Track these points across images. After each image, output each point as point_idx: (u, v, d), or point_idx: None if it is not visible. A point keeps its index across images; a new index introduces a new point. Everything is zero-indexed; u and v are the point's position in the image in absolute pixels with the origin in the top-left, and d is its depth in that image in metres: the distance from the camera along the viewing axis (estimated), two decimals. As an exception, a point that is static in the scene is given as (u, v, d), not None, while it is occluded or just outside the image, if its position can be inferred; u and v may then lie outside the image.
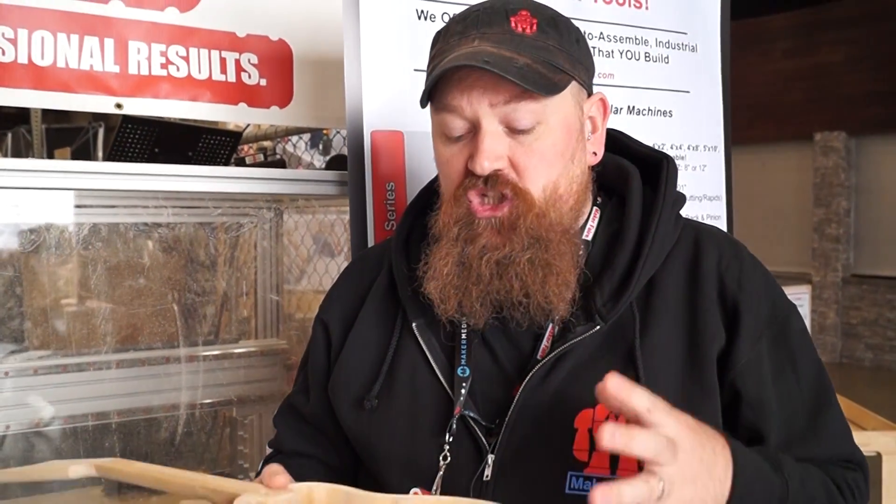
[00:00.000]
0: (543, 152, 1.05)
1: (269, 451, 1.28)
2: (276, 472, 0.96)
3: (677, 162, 1.34)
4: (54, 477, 1.07)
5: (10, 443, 2.20)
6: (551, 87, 1.03)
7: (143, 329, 2.24)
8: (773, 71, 9.33)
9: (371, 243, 1.53)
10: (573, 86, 1.08)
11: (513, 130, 1.04)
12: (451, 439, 1.05)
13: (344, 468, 1.22)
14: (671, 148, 1.89)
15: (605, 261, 1.09)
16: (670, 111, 1.88)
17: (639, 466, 0.83)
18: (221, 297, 2.54)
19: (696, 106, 1.92)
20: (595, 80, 1.18)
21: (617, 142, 1.20)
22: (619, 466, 0.96)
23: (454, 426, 1.05)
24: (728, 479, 0.88)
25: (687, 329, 1.07)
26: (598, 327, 1.04)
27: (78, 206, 2.13)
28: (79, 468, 1.02)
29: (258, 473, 1.21)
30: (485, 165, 1.02)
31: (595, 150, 1.14)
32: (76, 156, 4.90)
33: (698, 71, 1.92)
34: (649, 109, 1.85)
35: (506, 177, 1.04)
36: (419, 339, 1.11)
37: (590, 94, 1.13)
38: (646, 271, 1.07)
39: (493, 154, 1.03)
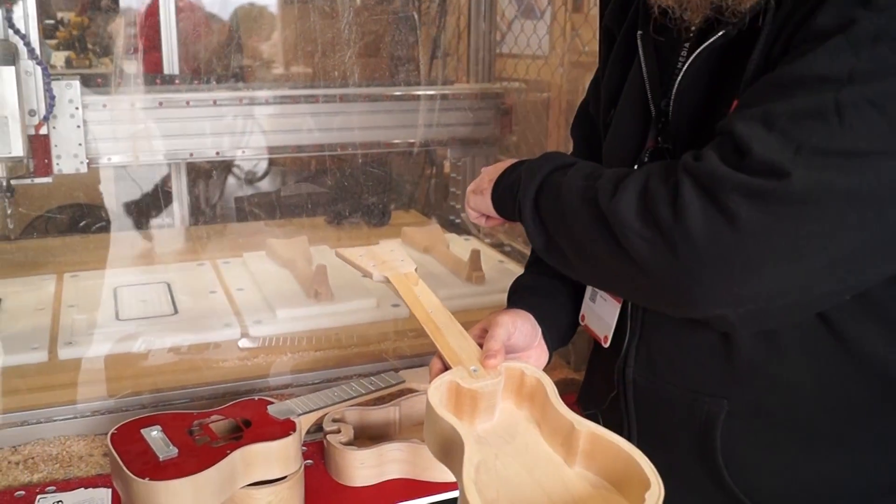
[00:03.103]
0: None
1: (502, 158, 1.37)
2: (492, 353, 0.97)
3: None
4: (361, 272, 1.19)
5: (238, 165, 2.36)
6: None
7: (360, 68, 2.27)
8: None
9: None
10: None
11: None
12: None
13: None
14: None
15: None
16: None
17: None
18: (434, 40, 2.51)
19: None
20: None
21: None
22: None
23: (646, 158, 1.00)
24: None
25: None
26: (721, 33, 0.91)
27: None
28: (377, 274, 1.17)
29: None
30: None
31: None
32: None
33: None
34: None
35: None
36: (641, 61, 1.03)
37: None
38: None
39: None
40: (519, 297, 1.15)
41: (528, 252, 2.24)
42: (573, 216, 0.92)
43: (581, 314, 1.16)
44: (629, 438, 1.05)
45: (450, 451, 0.89)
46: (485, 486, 0.82)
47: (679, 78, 0.97)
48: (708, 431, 0.97)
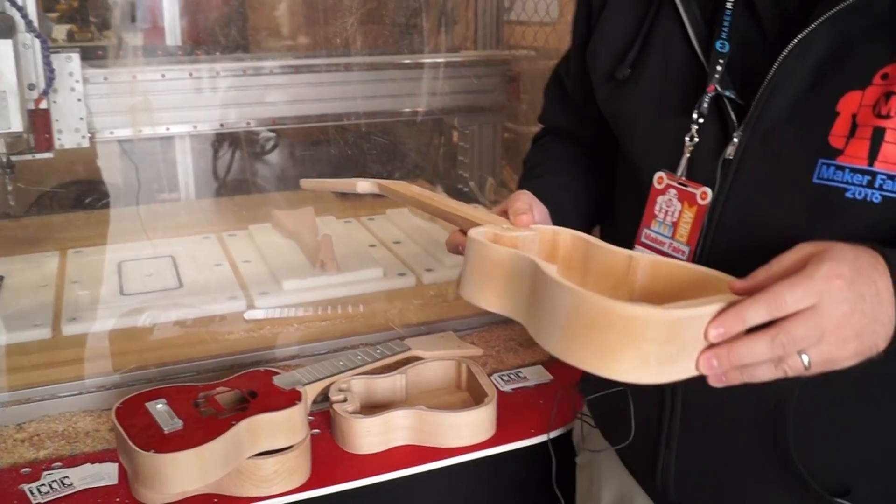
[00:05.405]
0: None
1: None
2: (522, 211, 0.93)
3: None
4: (345, 189, 1.14)
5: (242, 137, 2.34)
6: None
7: (365, 36, 2.23)
8: None
9: None
10: None
11: None
12: (700, 120, 0.94)
13: (601, 146, 1.17)
14: None
15: None
16: None
17: None
18: (440, 6, 2.47)
19: None
20: None
21: None
22: (879, 158, 0.82)
23: (705, 105, 0.93)
24: (893, 315, 0.75)
25: None
26: None
27: None
28: (365, 184, 1.09)
29: (525, 163, 1.23)
30: None
31: None
32: None
33: None
34: None
35: None
36: (678, 4, 0.97)
37: None
38: None
39: None
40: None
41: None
42: None
43: None
44: (670, 417, 1.00)
45: (509, 285, 0.81)
46: None
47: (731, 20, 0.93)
48: (780, 406, 0.91)
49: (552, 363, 1.55)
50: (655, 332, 0.68)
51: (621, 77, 1.02)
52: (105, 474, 1.23)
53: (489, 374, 1.47)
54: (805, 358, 0.72)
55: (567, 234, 0.92)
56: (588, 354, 0.70)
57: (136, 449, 1.12)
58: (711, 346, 0.72)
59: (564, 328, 0.72)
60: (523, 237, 0.88)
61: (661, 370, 0.70)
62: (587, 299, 0.69)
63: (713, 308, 0.71)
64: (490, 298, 0.84)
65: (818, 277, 0.72)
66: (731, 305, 0.71)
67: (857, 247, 0.76)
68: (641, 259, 0.84)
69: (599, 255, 0.88)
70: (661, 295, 0.82)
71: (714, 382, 0.73)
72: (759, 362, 0.72)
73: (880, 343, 0.75)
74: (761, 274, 0.75)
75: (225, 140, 2.29)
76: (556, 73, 1.24)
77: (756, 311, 0.71)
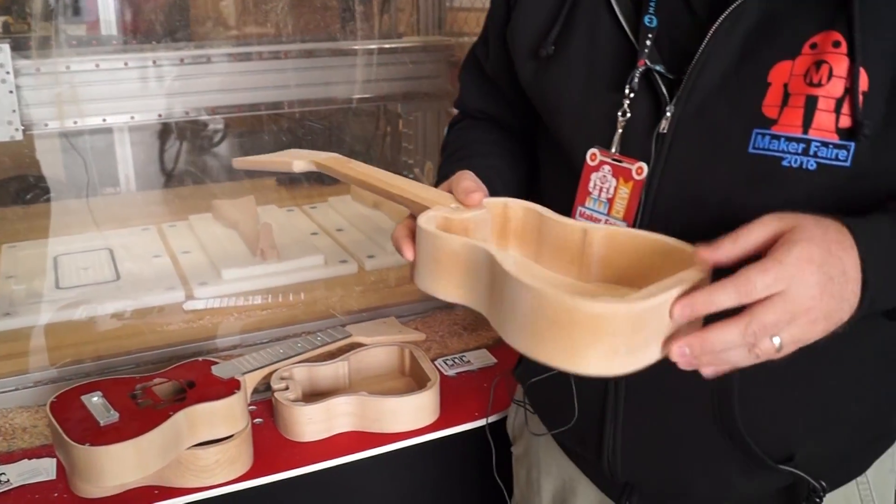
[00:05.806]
0: None
1: (454, 111, 1.26)
2: (471, 190, 0.89)
3: None
4: (281, 169, 1.09)
5: (182, 128, 2.31)
6: None
7: (306, 23, 2.22)
8: None
9: None
10: None
11: None
12: (632, 95, 0.93)
13: (522, 129, 1.17)
14: None
15: None
16: None
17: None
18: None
19: None
20: None
21: None
22: (812, 126, 0.83)
23: (636, 80, 0.93)
24: (858, 290, 0.76)
25: None
26: None
27: None
28: (301, 163, 1.05)
29: (444, 147, 1.21)
30: None
31: None
32: None
33: None
34: None
35: None
36: None
37: None
38: None
39: None
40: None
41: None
42: None
43: None
44: (615, 396, 0.99)
45: (466, 276, 0.78)
46: None
47: None
48: (725, 378, 0.88)
49: (496, 347, 1.56)
50: (622, 326, 0.67)
51: (545, 55, 1.01)
52: (43, 469, 1.22)
53: (433, 359, 1.48)
54: (777, 340, 0.73)
55: (518, 207, 0.89)
56: (555, 353, 0.68)
57: (71, 442, 1.11)
58: (684, 334, 0.72)
59: (528, 327, 0.69)
60: (475, 218, 0.85)
61: (629, 360, 0.69)
62: (549, 298, 0.67)
63: (678, 291, 0.70)
64: (448, 289, 0.80)
65: (789, 262, 0.71)
66: (695, 287, 0.71)
67: (823, 220, 0.76)
68: (596, 232, 0.82)
69: (553, 229, 0.85)
70: (621, 267, 0.81)
71: (685, 366, 0.73)
72: (732, 348, 0.72)
73: (845, 318, 0.76)
74: (727, 245, 0.74)
75: (170, 131, 2.25)
76: (472, 55, 1.22)
77: (726, 296, 0.71)
